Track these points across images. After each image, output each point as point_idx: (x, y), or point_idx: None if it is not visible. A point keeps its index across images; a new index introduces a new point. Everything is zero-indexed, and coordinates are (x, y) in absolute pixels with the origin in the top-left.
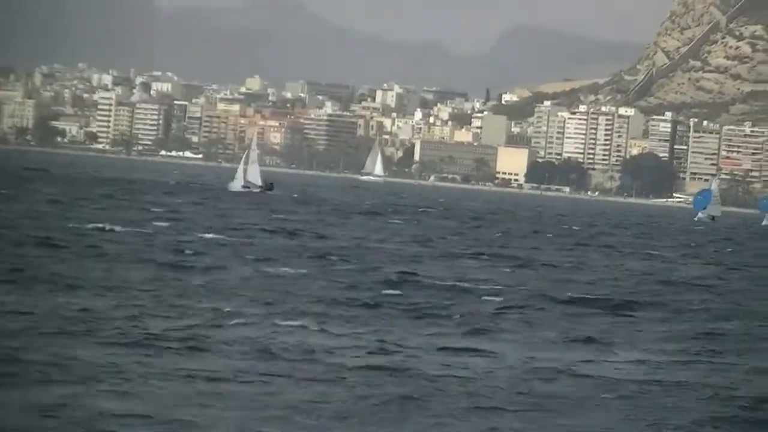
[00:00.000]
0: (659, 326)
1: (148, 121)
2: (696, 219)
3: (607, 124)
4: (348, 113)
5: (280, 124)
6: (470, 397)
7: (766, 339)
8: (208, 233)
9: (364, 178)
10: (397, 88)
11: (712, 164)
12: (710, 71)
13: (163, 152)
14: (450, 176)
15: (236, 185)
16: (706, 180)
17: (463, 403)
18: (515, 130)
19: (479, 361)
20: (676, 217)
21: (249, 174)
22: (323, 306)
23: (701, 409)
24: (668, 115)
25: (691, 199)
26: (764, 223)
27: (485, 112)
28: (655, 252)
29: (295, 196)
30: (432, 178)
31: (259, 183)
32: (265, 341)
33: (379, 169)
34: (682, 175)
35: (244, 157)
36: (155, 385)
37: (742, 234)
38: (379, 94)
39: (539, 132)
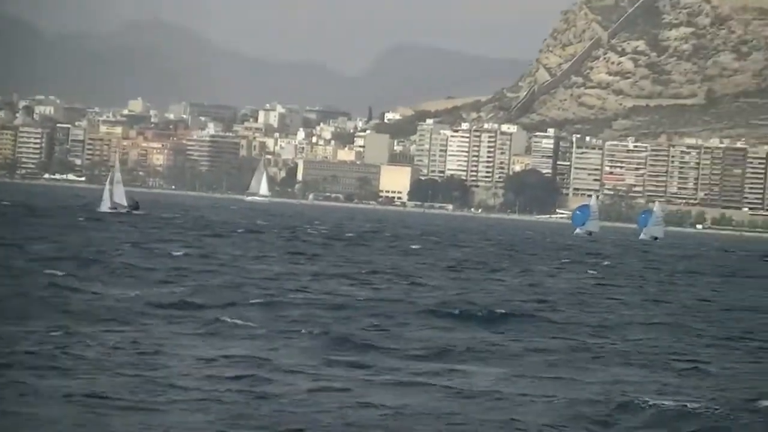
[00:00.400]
0: (526, 338)
1: (32, 145)
2: (574, 234)
3: (489, 141)
4: (231, 134)
5: (162, 145)
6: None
7: (628, 352)
8: None
9: (250, 198)
10: (279, 108)
11: (595, 180)
12: (592, 87)
13: (46, 175)
14: (333, 195)
15: (104, 206)
16: (589, 195)
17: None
18: (398, 148)
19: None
20: (556, 232)
21: (115, 195)
22: None
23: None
24: (551, 131)
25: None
26: (641, 236)
27: (368, 131)
28: (529, 268)
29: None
30: (311, 196)
31: (125, 203)
32: None
33: (264, 189)
34: (565, 191)
35: (109, 178)
36: None
37: (614, 248)
38: (261, 114)
39: (422, 150)
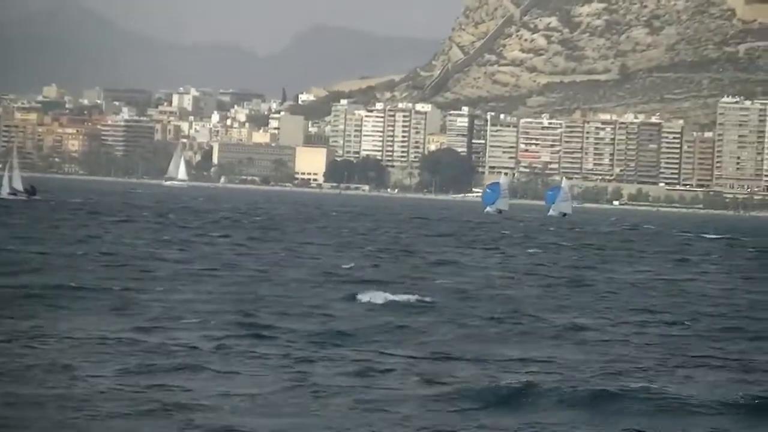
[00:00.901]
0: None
1: None
2: (485, 213)
3: (404, 121)
4: (145, 118)
5: (77, 131)
6: None
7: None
8: None
9: (168, 183)
10: (193, 92)
11: (511, 158)
12: (506, 65)
13: None
14: (249, 178)
15: (3, 192)
16: (506, 173)
17: None
18: (313, 130)
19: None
20: (468, 210)
21: (14, 180)
22: None
23: None
24: (465, 109)
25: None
26: (550, 213)
27: (282, 113)
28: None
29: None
30: (222, 179)
31: (21, 188)
32: None
33: (182, 173)
34: (481, 169)
35: (8, 164)
36: None
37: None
38: (175, 98)
39: (337, 131)
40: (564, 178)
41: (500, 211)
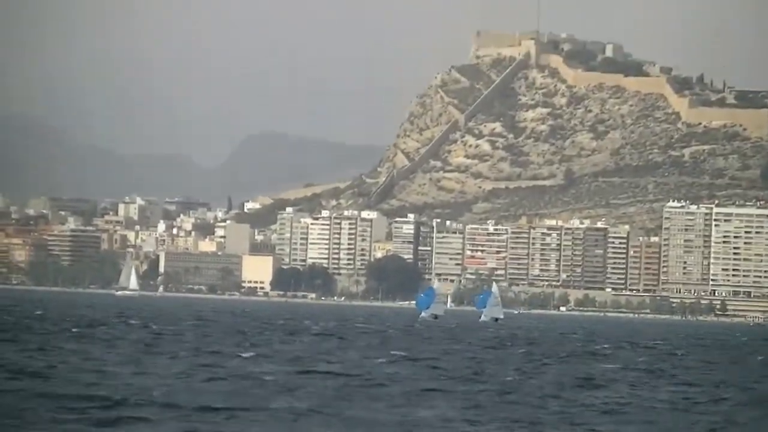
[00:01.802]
0: None
1: None
2: (420, 319)
3: (350, 229)
4: (91, 227)
5: (23, 241)
6: None
7: None
8: None
9: (119, 293)
10: (139, 201)
11: (457, 264)
12: (451, 171)
13: None
14: (196, 287)
15: None
16: (452, 280)
17: None
18: (259, 238)
19: None
20: (402, 316)
21: None
22: None
23: None
24: (411, 216)
25: (440, 299)
26: (482, 319)
27: (228, 221)
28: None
29: None
30: (161, 288)
31: None
32: None
33: (134, 282)
34: (427, 276)
35: None
36: None
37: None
38: (121, 207)
39: (283, 239)
40: (494, 282)
41: (436, 317)
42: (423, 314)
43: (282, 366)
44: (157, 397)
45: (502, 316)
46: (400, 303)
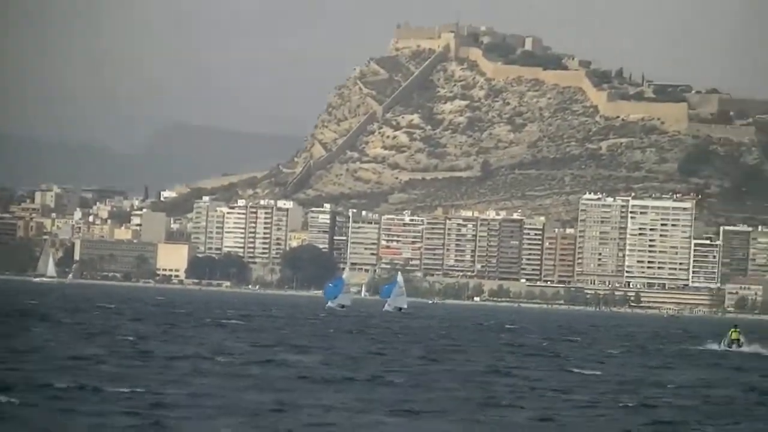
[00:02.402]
0: None
1: None
2: (326, 308)
3: (266, 218)
4: (7, 215)
5: None
6: None
7: None
8: None
9: (37, 279)
10: (55, 189)
11: (372, 254)
12: (368, 161)
13: None
14: (111, 274)
15: None
16: (366, 270)
17: None
18: (175, 226)
19: None
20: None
21: None
22: None
23: None
24: (327, 206)
25: (353, 288)
26: (385, 308)
27: (144, 210)
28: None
29: None
30: (70, 276)
31: None
32: None
33: (51, 270)
34: (342, 265)
35: None
36: None
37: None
38: (38, 195)
39: (199, 227)
40: (399, 273)
41: (343, 306)
42: (330, 304)
43: None
44: None
45: (405, 306)
46: (315, 292)
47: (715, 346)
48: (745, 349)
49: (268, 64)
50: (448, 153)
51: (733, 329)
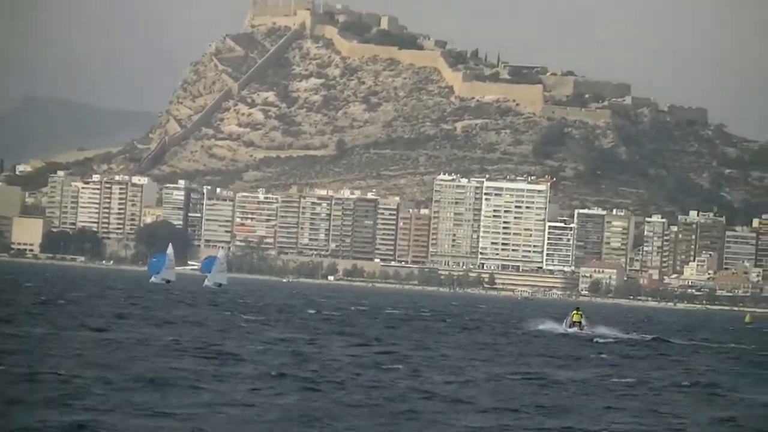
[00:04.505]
0: None
1: None
2: (150, 282)
3: (120, 193)
4: None
5: None
6: None
7: None
8: None
9: None
10: None
11: (227, 231)
12: (223, 138)
13: None
14: None
15: None
16: (222, 247)
17: None
18: (30, 200)
19: None
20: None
21: None
22: None
23: None
24: (182, 182)
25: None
26: (205, 284)
27: None
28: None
29: None
30: None
31: None
32: None
33: None
34: (197, 242)
35: None
36: None
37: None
38: None
39: (54, 202)
40: (220, 248)
41: (168, 282)
42: (153, 279)
43: None
44: None
45: (225, 282)
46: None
47: (546, 327)
48: (587, 331)
49: (124, 38)
50: (303, 131)
51: (575, 311)
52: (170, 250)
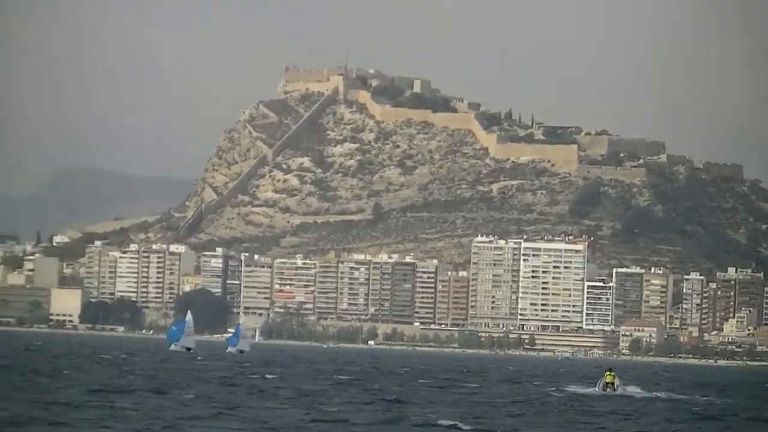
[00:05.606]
0: None
1: None
2: (170, 350)
3: (158, 262)
4: None
5: None
6: None
7: None
8: None
9: None
10: None
11: (266, 298)
12: (259, 205)
13: None
14: (4, 320)
15: None
16: (260, 314)
17: None
18: (67, 271)
19: None
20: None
21: None
22: None
23: None
24: (219, 250)
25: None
26: (228, 350)
27: (37, 255)
28: None
29: None
30: None
31: None
32: None
33: None
34: (236, 309)
35: None
36: None
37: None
38: None
39: (91, 272)
40: (243, 316)
41: (190, 350)
42: (173, 347)
43: None
44: None
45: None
46: (209, 336)
47: (578, 389)
48: (620, 392)
49: (157, 107)
50: (339, 196)
51: (607, 372)
52: (189, 317)
